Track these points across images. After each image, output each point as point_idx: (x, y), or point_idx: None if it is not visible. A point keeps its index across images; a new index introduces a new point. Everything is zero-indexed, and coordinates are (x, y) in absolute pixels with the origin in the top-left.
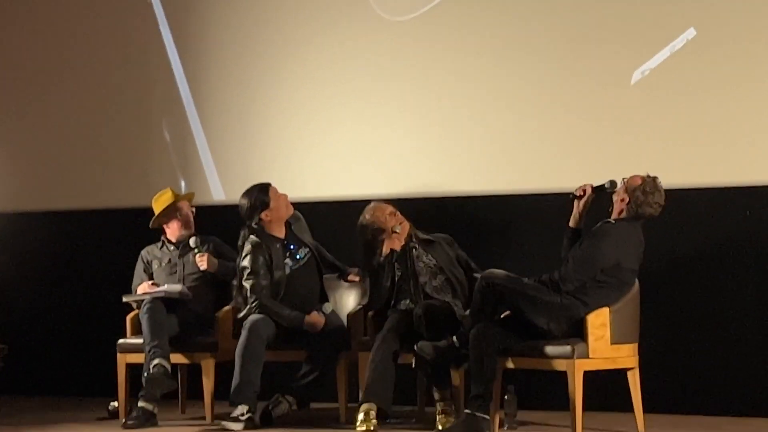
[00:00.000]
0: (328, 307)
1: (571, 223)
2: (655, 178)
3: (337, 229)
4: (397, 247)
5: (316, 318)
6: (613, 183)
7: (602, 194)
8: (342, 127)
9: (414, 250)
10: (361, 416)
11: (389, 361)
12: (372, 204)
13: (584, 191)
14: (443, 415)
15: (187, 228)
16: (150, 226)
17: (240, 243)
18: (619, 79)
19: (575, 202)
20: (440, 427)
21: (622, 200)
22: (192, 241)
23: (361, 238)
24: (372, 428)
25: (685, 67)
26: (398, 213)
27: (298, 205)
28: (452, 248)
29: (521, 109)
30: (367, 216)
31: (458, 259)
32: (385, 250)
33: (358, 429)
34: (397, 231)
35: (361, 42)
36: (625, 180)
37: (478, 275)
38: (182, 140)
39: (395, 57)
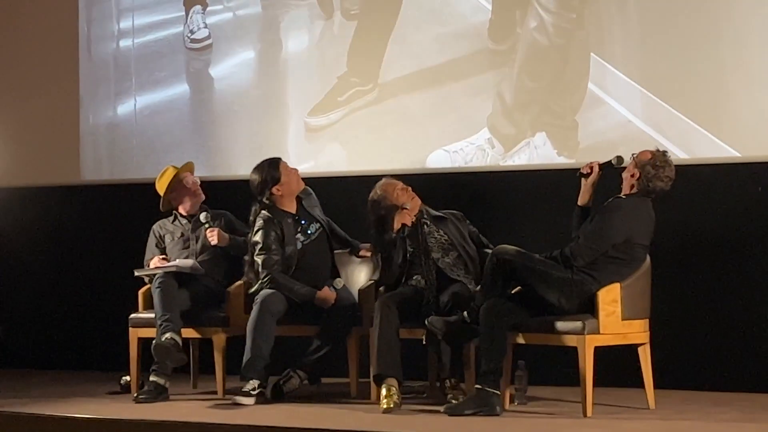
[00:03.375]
0: (339, 283)
1: (580, 201)
2: (665, 152)
3: (348, 204)
4: (408, 222)
5: (327, 293)
6: (620, 159)
7: (610, 171)
8: (352, 102)
9: (425, 226)
10: (383, 392)
11: (393, 331)
12: (382, 180)
13: (591, 168)
14: (453, 390)
15: (197, 196)
16: (161, 209)
17: (251, 218)
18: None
19: (582, 180)
20: (452, 402)
21: (633, 175)
22: (202, 216)
23: (373, 214)
24: (395, 403)
25: (701, 41)
26: (409, 189)
27: (308, 180)
28: (463, 224)
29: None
30: (378, 191)
31: (470, 235)
32: (396, 225)
33: (383, 406)
34: (407, 207)
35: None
36: (635, 155)
37: (489, 251)
38: (191, 115)
39: (406, 27)
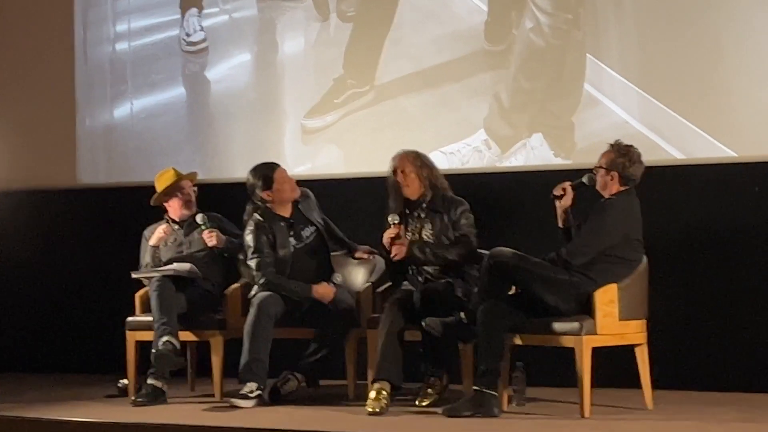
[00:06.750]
0: (337, 278)
1: (560, 224)
2: (617, 140)
3: (345, 206)
4: (401, 255)
5: (324, 288)
6: (591, 178)
7: (583, 190)
8: (348, 104)
9: (421, 245)
10: (372, 394)
11: (396, 336)
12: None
13: (564, 190)
14: (429, 390)
15: (188, 208)
16: (151, 203)
17: (245, 218)
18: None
19: (556, 203)
20: (421, 403)
21: (612, 179)
22: (199, 218)
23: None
24: (381, 408)
25: (697, 41)
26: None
27: (305, 183)
28: (455, 213)
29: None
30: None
31: (454, 224)
32: (394, 255)
33: (368, 408)
34: (400, 238)
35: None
36: (597, 166)
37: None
38: (188, 118)
39: (402, 29)
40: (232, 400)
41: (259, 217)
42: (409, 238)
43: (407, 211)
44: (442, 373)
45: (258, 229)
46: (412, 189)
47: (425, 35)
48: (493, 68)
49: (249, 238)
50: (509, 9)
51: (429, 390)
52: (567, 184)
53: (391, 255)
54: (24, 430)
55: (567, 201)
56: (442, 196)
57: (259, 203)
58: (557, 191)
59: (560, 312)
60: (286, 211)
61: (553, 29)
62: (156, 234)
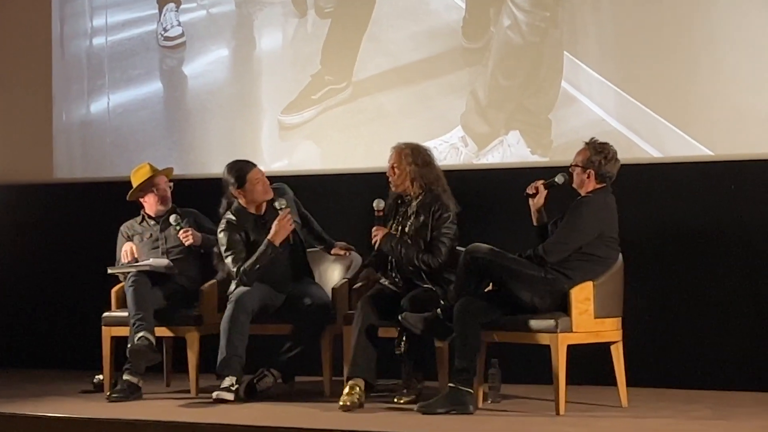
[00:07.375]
0: (281, 203)
1: (534, 222)
2: (592, 138)
3: (322, 203)
4: (377, 239)
5: (276, 228)
6: (564, 177)
7: (558, 188)
8: (326, 100)
9: (395, 242)
10: (346, 390)
11: (370, 333)
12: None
13: (537, 189)
14: (405, 390)
15: (164, 204)
16: (127, 198)
17: (221, 211)
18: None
19: (530, 201)
20: (399, 401)
21: (588, 177)
22: (172, 219)
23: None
24: (353, 402)
25: (674, 40)
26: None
27: (282, 179)
28: (437, 218)
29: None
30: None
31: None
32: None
33: (341, 403)
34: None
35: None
36: (573, 165)
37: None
38: (165, 113)
39: (380, 25)
40: (218, 393)
41: (231, 215)
42: (389, 230)
43: (399, 201)
44: (420, 375)
45: (230, 227)
46: (397, 184)
47: (403, 32)
48: (470, 65)
49: (221, 236)
50: (487, 6)
51: (405, 390)
52: (540, 183)
53: (372, 236)
54: None
55: (540, 200)
56: (432, 197)
57: (233, 199)
58: (530, 190)
59: (536, 309)
60: (259, 209)
61: (531, 27)
62: (122, 250)
